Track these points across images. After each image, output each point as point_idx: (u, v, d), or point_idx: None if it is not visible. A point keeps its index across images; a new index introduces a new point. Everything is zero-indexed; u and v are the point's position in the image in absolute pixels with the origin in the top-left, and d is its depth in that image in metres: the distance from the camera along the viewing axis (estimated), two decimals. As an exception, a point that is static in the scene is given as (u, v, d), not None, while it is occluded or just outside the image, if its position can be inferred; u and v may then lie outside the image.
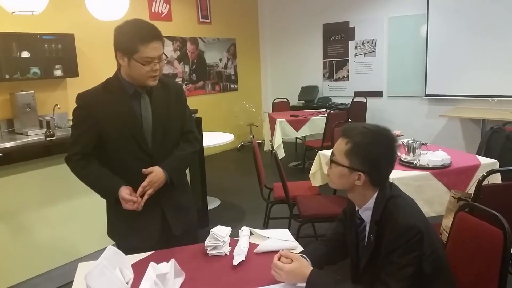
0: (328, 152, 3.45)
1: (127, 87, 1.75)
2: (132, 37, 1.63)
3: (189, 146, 1.92)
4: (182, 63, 6.59)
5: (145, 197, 1.72)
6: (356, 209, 1.52)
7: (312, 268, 1.44)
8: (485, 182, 2.22)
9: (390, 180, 1.50)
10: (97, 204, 1.92)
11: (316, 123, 5.67)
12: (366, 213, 1.47)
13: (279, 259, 1.45)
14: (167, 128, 1.83)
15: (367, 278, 1.47)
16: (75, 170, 1.77)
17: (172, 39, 6.35)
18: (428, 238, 1.37)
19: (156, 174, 1.75)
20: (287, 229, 1.86)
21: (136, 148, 1.76)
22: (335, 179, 1.47)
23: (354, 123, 1.51)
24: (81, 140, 1.74)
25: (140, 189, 1.71)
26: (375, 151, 1.40)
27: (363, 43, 6.82)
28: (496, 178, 2.80)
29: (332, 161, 1.47)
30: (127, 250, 1.66)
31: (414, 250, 1.33)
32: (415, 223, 1.34)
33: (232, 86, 7.60)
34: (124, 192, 1.70)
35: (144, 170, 1.73)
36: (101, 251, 1.45)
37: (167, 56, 1.62)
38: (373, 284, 1.39)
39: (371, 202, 1.45)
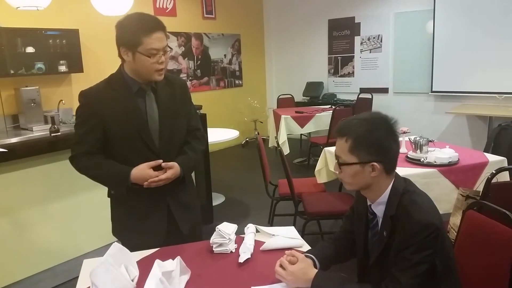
0: (333, 149, 3.43)
1: (131, 84, 1.72)
2: (134, 30, 1.61)
3: (199, 145, 1.93)
4: (186, 58, 6.57)
5: (153, 185, 1.69)
6: (368, 204, 1.48)
7: (317, 270, 1.42)
8: (493, 180, 2.19)
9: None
10: (102, 200, 1.91)
11: (321, 120, 5.64)
12: (379, 207, 1.44)
13: (280, 265, 1.43)
14: (174, 127, 1.80)
15: (375, 275, 1.44)
16: (80, 165, 1.72)
17: (176, 34, 6.33)
18: (442, 236, 1.34)
19: (176, 171, 1.74)
20: (293, 227, 1.84)
21: (143, 147, 1.73)
22: (350, 180, 1.42)
23: (344, 120, 1.46)
24: (86, 139, 1.70)
25: (156, 179, 1.68)
26: (376, 136, 1.36)
27: (368, 39, 6.77)
28: (504, 176, 2.77)
29: (340, 164, 1.42)
30: (133, 248, 1.64)
31: (429, 247, 1.30)
32: (432, 221, 1.30)
33: (237, 82, 7.58)
34: (144, 164, 1.68)
35: (164, 164, 1.71)
36: (106, 247, 1.45)
37: (171, 48, 1.62)
38: (380, 280, 1.36)
39: (385, 196, 1.41)
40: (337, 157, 1.43)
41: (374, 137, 1.36)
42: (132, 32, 1.61)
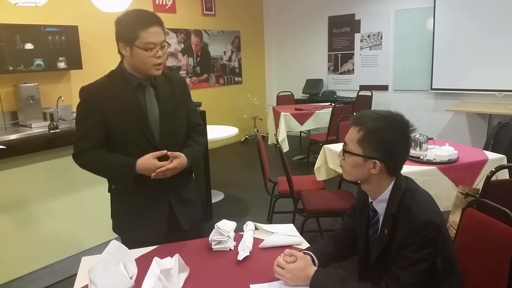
0: (332, 146, 3.45)
1: (131, 79, 1.73)
2: (131, 24, 1.62)
3: (202, 138, 1.95)
4: (186, 55, 6.55)
5: (161, 176, 1.69)
6: (370, 201, 1.47)
7: (316, 268, 1.42)
8: (493, 178, 2.19)
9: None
10: (101, 197, 1.91)
11: (321, 117, 5.64)
12: (380, 205, 1.43)
13: (278, 265, 1.42)
14: (174, 122, 1.81)
15: (376, 272, 1.44)
16: (84, 160, 1.71)
17: (176, 31, 6.32)
18: (443, 234, 1.34)
19: (183, 160, 1.74)
20: (292, 224, 1.84)
21: (144, 142, 1.73)
22: (349, 169, 1.43)
23: (365, 111, 1.45)
24: (89, 135, 1.71)
25: (163, 168, 1.68)
26: (389, 137, 1.34)
27: (369, 36, 6.76)
28: (504, 174, 2.77)
29: (345, 151, 1.42)
30: (133, 244, 1.65)
31: (430, 245, 1.29)
32: (434, 219, 1.30)
33: (236, 79, 7.56)
34: (149, 154, 1.68)
35: (170, 153, 1.71)
36: (105, 244, 1.44)
37: (169, 44, 1.60)
38: (381, 278, 1.36)
39: (386, 194, 1.41)
40: (345, 143, 1.43)
41: (386, 137, 1.35)
42: (130, 26, 1.62)
